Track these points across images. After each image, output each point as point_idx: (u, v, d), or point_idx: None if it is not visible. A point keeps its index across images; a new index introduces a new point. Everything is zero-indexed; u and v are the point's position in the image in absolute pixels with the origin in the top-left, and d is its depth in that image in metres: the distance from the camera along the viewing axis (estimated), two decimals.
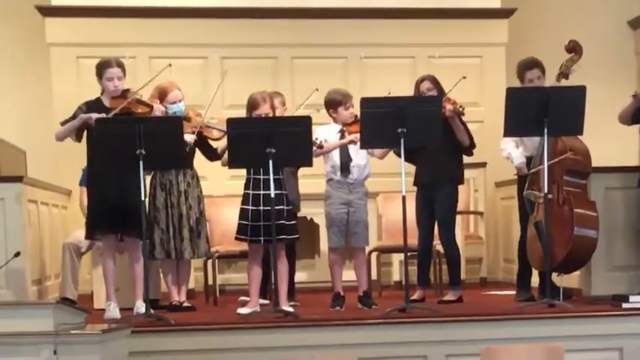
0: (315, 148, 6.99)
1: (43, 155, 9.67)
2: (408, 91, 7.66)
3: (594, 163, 7.33)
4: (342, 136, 7.28)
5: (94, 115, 6.85)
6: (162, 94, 7.38)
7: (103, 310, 7.05)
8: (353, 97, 7.37)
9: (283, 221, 6.88)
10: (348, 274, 7.56)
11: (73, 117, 7.04)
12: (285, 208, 6.93)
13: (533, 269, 7.59)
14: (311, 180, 8.24)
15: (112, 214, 6.92)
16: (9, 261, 6.95)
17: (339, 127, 7.35)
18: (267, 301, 7.43)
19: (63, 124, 7.09)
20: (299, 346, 6.37)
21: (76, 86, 9.76)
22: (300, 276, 8.66)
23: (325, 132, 7.33)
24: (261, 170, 6.85)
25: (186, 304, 7.45)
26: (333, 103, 7.37)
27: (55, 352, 5.43)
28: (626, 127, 7.55)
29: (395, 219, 7.97)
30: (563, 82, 7.40)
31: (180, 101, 7.40)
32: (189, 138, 7.13)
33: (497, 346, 5.82)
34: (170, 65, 7.36)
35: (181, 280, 7.53)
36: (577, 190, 7.24)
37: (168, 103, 7.34)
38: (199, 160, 7.55)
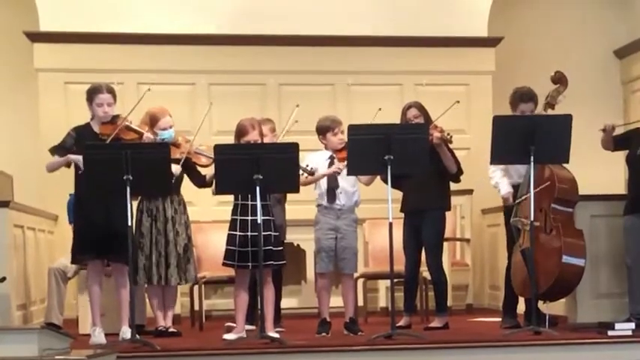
0: (305, 175, 7.02)
1: (30, 180, 9.65)
2: (395, 118, 7.68)
3: (580, 191, 7.35)
4: (332, 164, 7.31)
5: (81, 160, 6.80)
6: (152, 120, 7.37)
7: (89, 335, 7.03)
8: (342, 123, 7.38)
9: (270, 247, 6.86)
10: (334, 300, 7.56)
11: (63, 143, 7.05)
12: (273, 234, 6.92)
13: (519, 296, 7.60)
14: (298, 206, 8.25)
15: (99, 239, 6.91)
16: None
17: (329, 153, 7.37)
18: (253, 327, 7.41)
19: (52, 150, 7.08)
20: None
21: (64, 112, 9.79)
22: (286, 302, 8.65)
23: (316, 159, 7.35)
24: (249, 196, 6.85)
25: (172, 330, 7.43)
26: (322, 130, 7.38)
27: None
28: (612, 154, 7.63)
29: (381, 245, 7.99)
30: (549, 112, 7.44)
31: (170, 127, 7.39)
32: (175, 169, 7.12)
33: None
34: (149, 89, 7.35)
35: (167, 306, 7.51)
36: (564, 218, 7.26)
37: (158, 129, 7.33)
38: (187, 185, 7.54)
